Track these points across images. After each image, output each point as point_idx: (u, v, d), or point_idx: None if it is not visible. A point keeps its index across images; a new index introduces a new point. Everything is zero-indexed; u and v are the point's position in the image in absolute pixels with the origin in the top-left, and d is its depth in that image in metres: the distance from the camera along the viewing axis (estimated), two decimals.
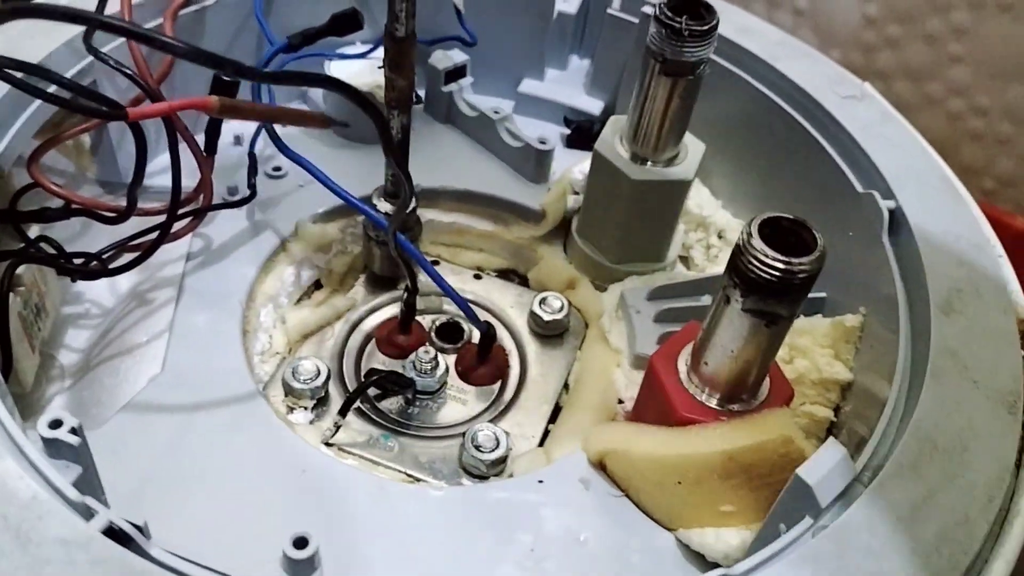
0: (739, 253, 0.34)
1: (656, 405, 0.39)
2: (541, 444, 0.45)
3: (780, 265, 0.33)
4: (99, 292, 0.48)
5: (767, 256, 0.33)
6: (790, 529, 0.31)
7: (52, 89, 0.37)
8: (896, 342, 0.39)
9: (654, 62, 0.44)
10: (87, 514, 0.28)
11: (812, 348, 0.43)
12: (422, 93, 0.58)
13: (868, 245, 0.43)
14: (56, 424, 0.31)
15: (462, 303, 0.44)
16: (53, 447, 0.31)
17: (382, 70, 0.51)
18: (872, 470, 0.33)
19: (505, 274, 0.54)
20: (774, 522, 0.33)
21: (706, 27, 0.43)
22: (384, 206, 0.46)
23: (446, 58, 0.56)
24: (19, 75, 0.35)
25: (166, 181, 0.43)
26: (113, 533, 0.28)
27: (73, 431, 0.31)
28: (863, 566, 0.30)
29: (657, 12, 0.43)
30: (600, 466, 0.40)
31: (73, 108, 0.35)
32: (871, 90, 0.50)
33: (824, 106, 0.48)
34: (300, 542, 0.30)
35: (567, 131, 0.58)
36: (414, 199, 0.43)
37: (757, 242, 0.33)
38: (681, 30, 0.42)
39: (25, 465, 0.30)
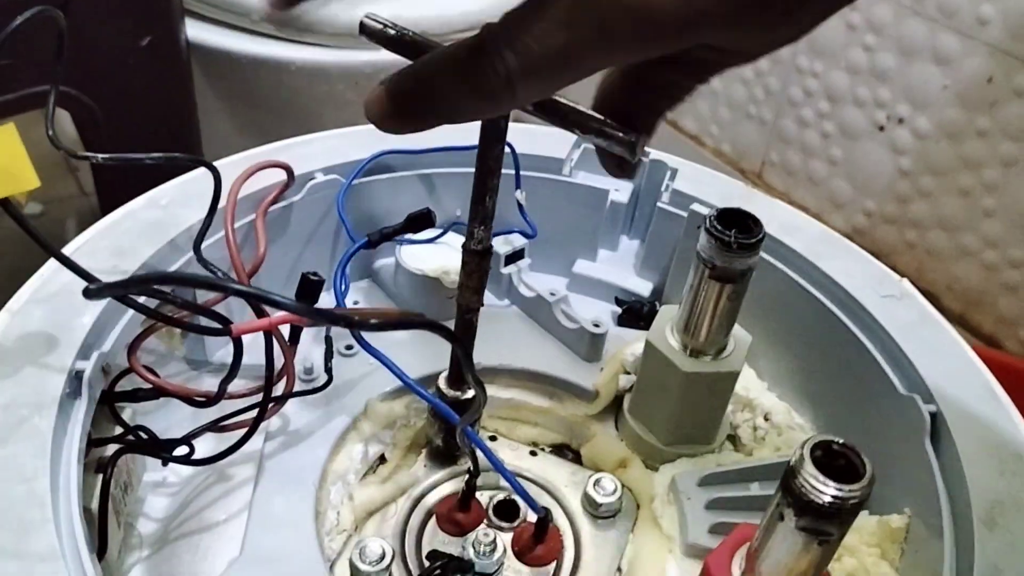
0: (792, 475, 0.36)
1: None
2: None
3: (832, 492, 0.35)
4: (180, 466, 0.51)
5: (819, 482, 0.35)
6: None
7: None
8: (940, 548, 0.40)
9: (704, 267, 0.48)
10: None
11: (859, 547, 0.45)
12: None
13: (911, 447, 0.45)
14: None
15: (522, 491, 0.47)
16: None
17: (448, 255, 0.55)
18: None
19: (559, 449, 0.57)
20: None
21: (754, 240, 0.46)
22: (451, 392, 0.49)
23: (507, 243, 0.60)
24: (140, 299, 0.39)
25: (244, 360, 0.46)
26: None
27: None
28: None
29: (707, 224, 0.47)
30: None
31: (190, 328, 0.39)
32: (910, 288, 0.53)
33: (864, 304, 0.51)
34: None
35: (618, 310, 0.62)
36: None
37: (810, 467, 0.35)
38: (730, 243, 0.46)
39: None
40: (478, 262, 0.44)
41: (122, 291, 0.32)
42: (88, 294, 0.32)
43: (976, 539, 0.39)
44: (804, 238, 0.55)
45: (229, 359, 0.53)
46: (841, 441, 0.36)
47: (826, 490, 0.35)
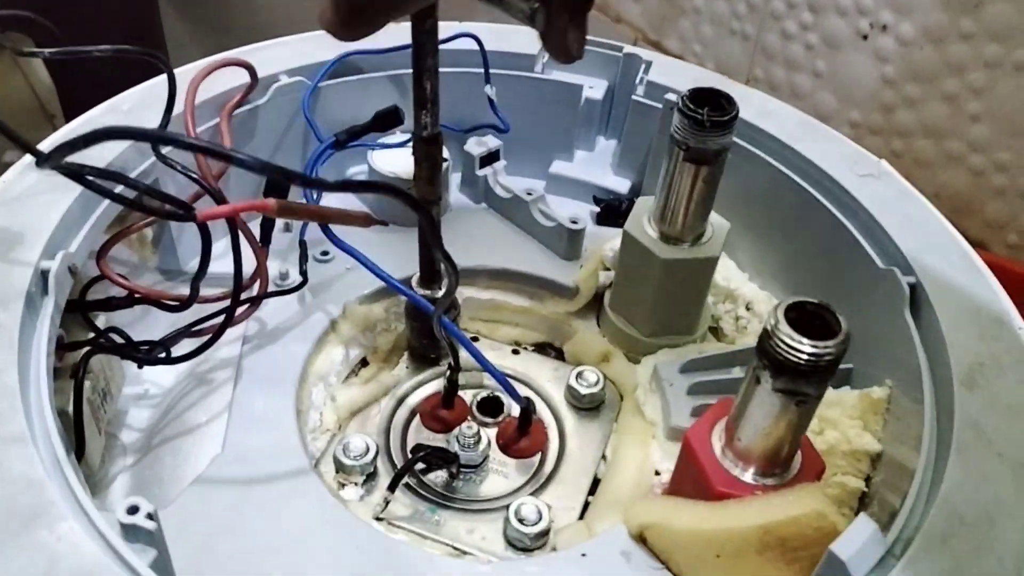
0: (767, 337, 0.36)
1: (692, 479, 0.41)
2: (581, 516, 0.47)
3: (807, 349, 0.35)
4: (159, 373, 0.51)
5: (794, 340, 0.35)
6: None
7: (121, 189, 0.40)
8: (922, 414, 0.40)
9: (678, 149, 0.47)
10: None
11: (841, 420, 0.45)
12: (458, 176, 0.62)
13: (891, 319, 0.45)
14: (133, 510, 0.34)
15: (502, 380, 0.46)
16: (130, 532, 0.34)
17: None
18: (903, 543, 0.34)
19: (542, 348, 0.57)
20: None
21: (727, 118, 0.45)
22: (423, 291, 0.48)
23: (480, 144, 0.59)
24: (98, 180, 0.38)
25: (218, 268, 0.45)
26: None
27: (149, 516, 0.34)
28: None
29: (680, 104, 0.46)
30: (640, 539, 0.42)
31: (149, 212, 0.38)
32: (888, 168, 0.52)
33: (842, 184, 0.50)
34: None
35: (596, 209, 0.61)
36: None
37: (784, 327, 0.35)
38: (703, 121, 0.45)
39: (105, 548, 0.32)
40: (425, 150, 0.43)
41: (70, 151, 0.30)
42: (40, 162, 0.31)
43: (956, 400, 0.39)
44: (781, 123, 0.54)
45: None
46: (815, 301, 0.36)
47: (801, 348, 0.35)
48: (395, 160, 0.57)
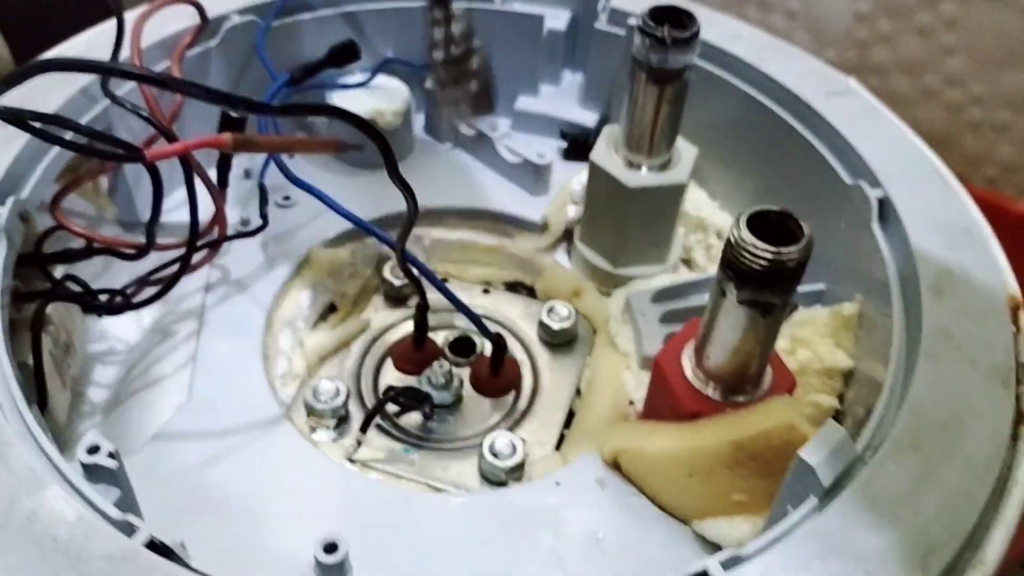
0: (730, 247, 0.35)
1: (664, 402, 0.41)
2: (557, 449, 0.46)
3: (770, 255, 0.34)
4: (124, 329, 0.50)
5: (757, 248, 0.34)
6: (796, 510, 0.32)
7: (71, 136, 0.39)
8: (891, 325, 0.40)
9: (640, 71, 0.46)
10: (129, 531, 0.30)
11: (813, 338, 0.44)
12: (422, 117, 0.60)
13: (860, 235, 0.44)
14: (94, 450, 0.33)
15: (471, 314, 0.46)
16: (92, 472, 0.33)
17: (383, 97, 0.53)
18: (872, 449, 0.34)
19: (513, 287, 0.56)
20: (781, 505, 0.34)
21: (688, 35, 0.44)
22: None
23: None
24: (39, 125, 0.37)
25: (181, 217, 0.45)
26: (155, 547, 0.30)
27: (111, 455, 0.33)
28: (866, 540, 0.31)
29: (640, 23, 0.45)
30: (614, 465, 0.41)
31: (94, 153, 0.37)
32: (856, 85, 0.51)
33: (810, 104, 0.49)
34: (330, 547, 0.31)
35: (564, 144, 0.60)
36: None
37: (747, 235, 0.34)
38: (664, 39, 0.44)
39: (68, 489, 0.31)
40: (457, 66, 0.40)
41: (5, 88, 0.29)
42: None
43: (924, 308, 0.39)
44: (747, 45, 0.53)
45: (162, 217, 0.52)
46: (777, 209, 0.35)
47: (764, 254, 0.34)
48: (354, 101, 0.55)
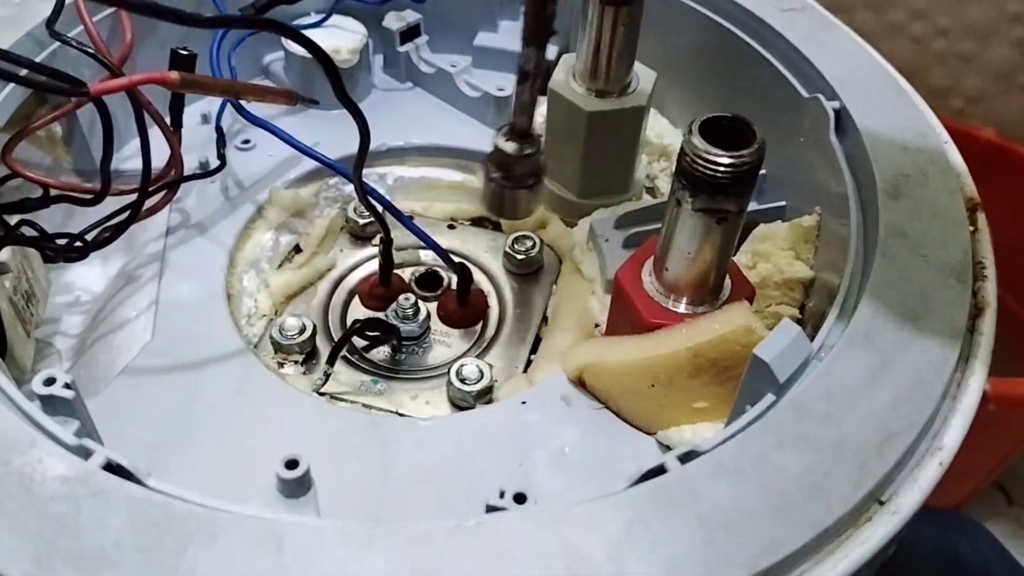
0: (683, 154, 0.35)
1: (626, 318, 0.41)
2: (524, 373, 0.46)
3: (723, 159, 0.34)
4: (88, 278, 0.50)
5: (709, 153, 0.34)
6: (754, 407, 0.33)
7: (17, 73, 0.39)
8: (848, 231, 0.40)
9: None
10: (85, 455, 0.30)
11: (773, 251, 0.44)
12: (380, 58, 0.60)
13: (819, 148, 0.44)
14: (50, 381, 0.33)
15: (433, 244, 0.46)
16: (49, 404, 0.33)
17: (339, 35, 0.53)
18: (829, 348, 0.35)
19: (478, 222, 0.56)
20: (740, 404, 0.34)
21: None
22: (507, 146, 0.43)
23: (399, 19, 0.57)
24: None
25: (140, 164, 0.44)
26: (112, 469, 0.29)
27: (67, 386, 0.33)
28: (823, 431, 0.31)
29: None
30: (579, 382, 0.42)
31: (37, 87, 0.37)
32: (810, 1, 0.51)
33: (766, 20, 0.49)
34: (291, 463, 0.31)
35: None
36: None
37: (699, 141, 0.34)
38: None
39: (24, 419, 0.31)
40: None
41: None
42: None
43: (881, 210, 0.39)
44: None
45: (121, 165, 0.51)
46: (729, 115, 0.35)
47: (717, 159, 0.34)
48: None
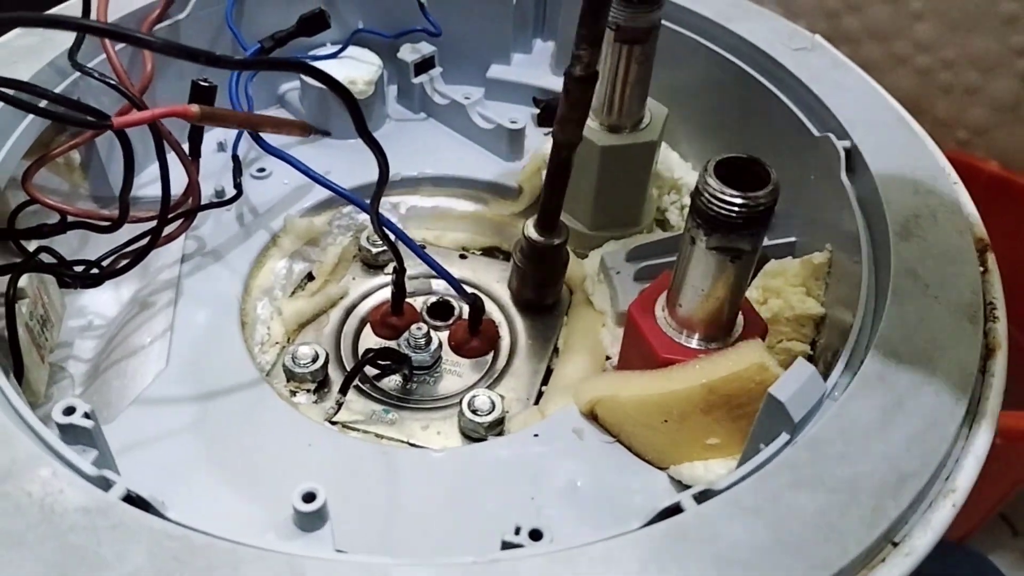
0: (698, 194, 0.35)
1: (639, 352, 0.41)
2: (536, 405, 0.47)
3: (738, 200, 0.34)
4: (102, 303, 0.50)
5: (724, 193, 0.35)
6: (768, 446, 0.33)
7: (41, 105, 0.39)
8: (860, 270, 0.41)
9: (609, 31, 0.46)
10: (105, 486, 0.30)
11: (784, 288, 0.45)
12: (395, 88, 0.61)
13: (830, 186, 0.45)
14: (70, 411, 0.33)
15: (446, 274, 0.46)
16: (69, 433, 0.33)
17: (354, 67, 0.53)
18: (843, 387, 0.35)
19: (489, 252, 0.56)
20: (754, 443, 0.35)
21: None
22: (537, 237, 0.47)
23: (414, 51, 0.58)
24: (10, 92, 0.37)
25: (156, 191, 0.45)
26: (131, 500, 0.30)
27: (86, 415, 0.33)
28: (837, 472, 0.31)
29: None
30: (591, 416, 0.42)
31: (62, 119, 0.37)
32: (822, 41, 0.52)
33: (777, 59, 0.50)
34: (308, 496, 0.31)
35: (536, 111, 0.60)
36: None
37: (714, 181, 0.35)
38: None
39: (44, 448, 0.31)
40: (582, 91, 0.40)
41: None
42: None
43: (892, 250, 0.39)
44: (713, 4, 0.53)
45: (137, 192, 0.52)
46: (744, 155, 0.36)
47: (732, 200, 0.35)
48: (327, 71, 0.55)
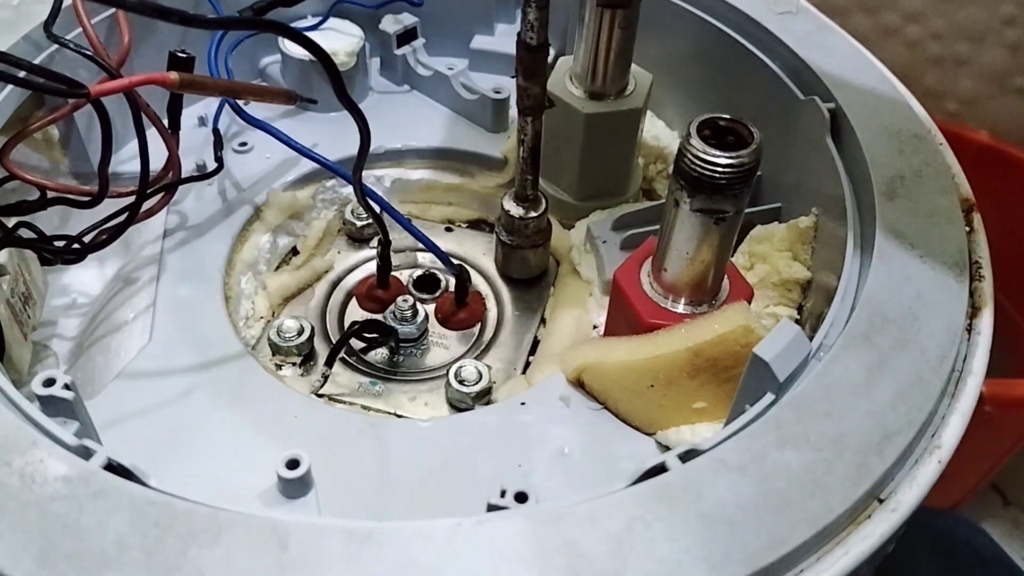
0: (681, 155, 0.35)
1: (624, 318, 0.41)
2: (523, 374, 0.46)
3: (721, 160, 0.34)
4: (86, 281, 0.50)
5: (707, 154, 0.34)
6: (753, 406, 0.33)
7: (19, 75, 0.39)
8: (845, 232, 0.40)
9: None
10: (86, 455, 0.30)
11: (771, 253, 0.45)
12: (378, 60, 0.60)
13: (816, 150, 0.45)
14: (50, 382, 0.33)
15: (432, 246, 0.46)
16: (49, 404, 0.33)
17: (336, 38, 0.53)
18: (828, 347, 0.35)
19: (476, 224, 0.56)
20: (740, 404, 0.35)
21: None
22: (516, 210, 0.47)
23: (396, 22, 0.57)
24: None
25: (137, 167, 0.44)
26: (113, 469, 0.29)
27: (67, 387, 0.33)
28: (823, 430, 0.31)
29: None
30: (578, 383, 0.42)
31: (39, 88, 0.37)
32: (806, 4, 0.51)
33: (762, 23, 0.49)
34: (292, 463, 0.31)
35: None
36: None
37: (697, 142, 0.35)
38: None
39: (25, 420, 0.31)
40: (533, 58, 0.41)
41: None
42: None
43: (877, 211, 0.39)
44: None
45: (118, 167, 0.51)
46: (727, 116, 0.36)
47: (715, 160, 0.34)
48: None
